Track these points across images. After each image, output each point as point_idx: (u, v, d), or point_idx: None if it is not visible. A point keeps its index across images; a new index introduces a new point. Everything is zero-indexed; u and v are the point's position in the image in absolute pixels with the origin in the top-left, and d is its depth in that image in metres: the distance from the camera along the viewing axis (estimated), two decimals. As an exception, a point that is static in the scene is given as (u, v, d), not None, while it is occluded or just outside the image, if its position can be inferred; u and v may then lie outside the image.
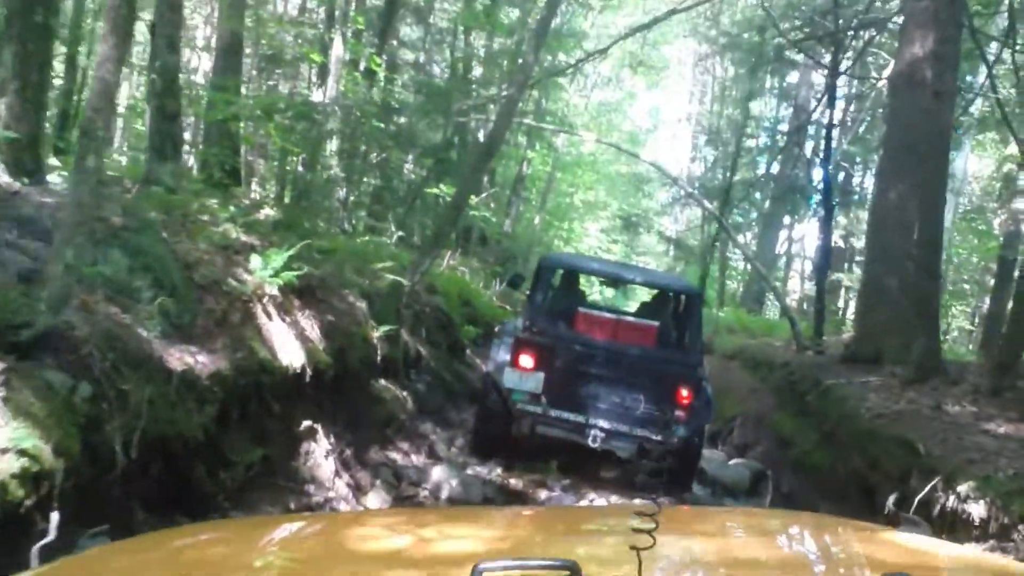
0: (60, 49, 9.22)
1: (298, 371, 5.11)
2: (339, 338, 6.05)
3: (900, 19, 10.62)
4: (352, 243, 9.63)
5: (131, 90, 15.34)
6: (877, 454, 6.02)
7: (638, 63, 24.01)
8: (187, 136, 14.07)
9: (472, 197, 13.83)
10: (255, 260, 5.22)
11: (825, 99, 12.63)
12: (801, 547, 1.72)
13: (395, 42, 15.61)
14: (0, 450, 2.58)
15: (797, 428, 7.85)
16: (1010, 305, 8.63)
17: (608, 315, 7.65)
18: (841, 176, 19.34)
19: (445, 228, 8.33)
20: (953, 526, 4.47)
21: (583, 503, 6.41)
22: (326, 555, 1.45)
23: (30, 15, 4.80)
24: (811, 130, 18.16)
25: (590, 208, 28.38)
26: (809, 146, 19.79)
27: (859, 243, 20.96)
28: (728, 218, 17.55)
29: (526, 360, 6.70)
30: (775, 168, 20.43)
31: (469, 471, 6.74)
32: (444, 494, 6.03)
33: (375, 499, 5.60)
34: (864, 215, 20.00)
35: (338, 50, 12.33)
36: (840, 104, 16.07)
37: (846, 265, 20.40)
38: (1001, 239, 14.77)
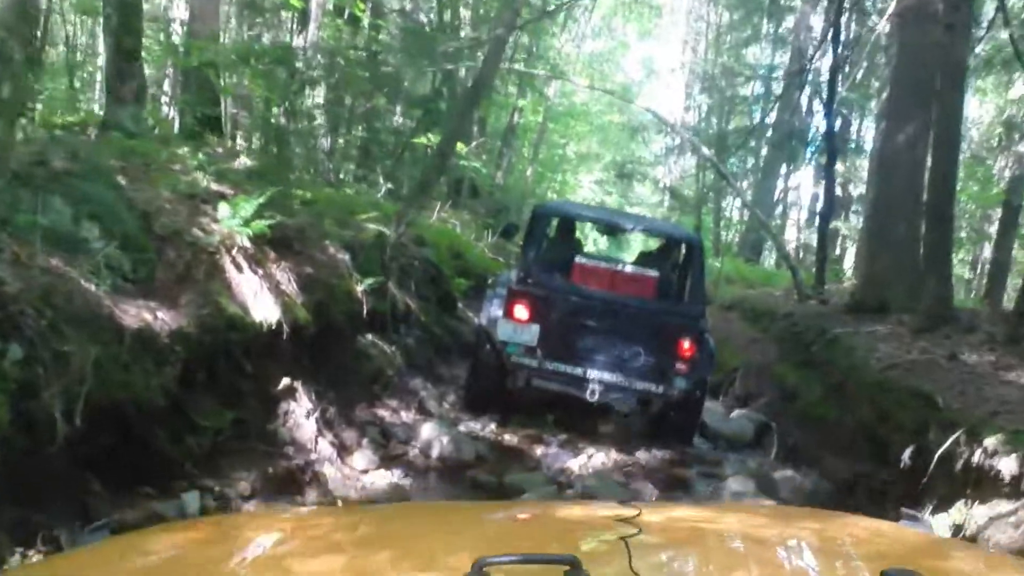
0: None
1: (273, 327, 4.74)
2: (319, 292, 5.67)
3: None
4: (335, 194, 9.21)
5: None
6: (889, 406, 5.72)
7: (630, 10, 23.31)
8: (166, 87, 13.56)
9: (462, 147, 13.39)
10: (223, 209, 4.81)
11: (829, 37, 12.06)
12: (799, 542, 1.64)
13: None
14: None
15: (802, 379, 7.55)
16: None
17: (606, 265, 7.34)
18: (838, 124, 18.90)
19: (431, 176, 7.91)
20: (979, 483, 4.17)
21: (582, 457, 6.14)
22: (327, 549, 1.45)
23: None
24: (808, 77, 17.66)
25: (583, 159, 27.88)
26: (807, 93, 19.37)
27: (856, 191, 20.66)
28: (724, 165, 17.15)
29: (521, 312, 6.41)
30: (772, 117, 19.94)
31: (461, 427, 6.46)
32: (435, 452, 5.73)
33: (361, 459, 5.28)
34: (862, 163, 19.70)
35: (318, -6, 11.79)
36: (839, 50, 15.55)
37: (843, 213, 20.10)
38: (1005, 184, 14.40)
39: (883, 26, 13.18)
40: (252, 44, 11.01)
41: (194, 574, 1.30)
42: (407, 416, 6.39)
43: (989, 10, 11.96)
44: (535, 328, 6.42)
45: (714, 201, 22.29)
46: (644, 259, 8.22)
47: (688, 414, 6.83)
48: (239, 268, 4.61)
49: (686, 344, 6.40)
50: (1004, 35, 11.09)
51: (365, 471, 5.15)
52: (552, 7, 14.98)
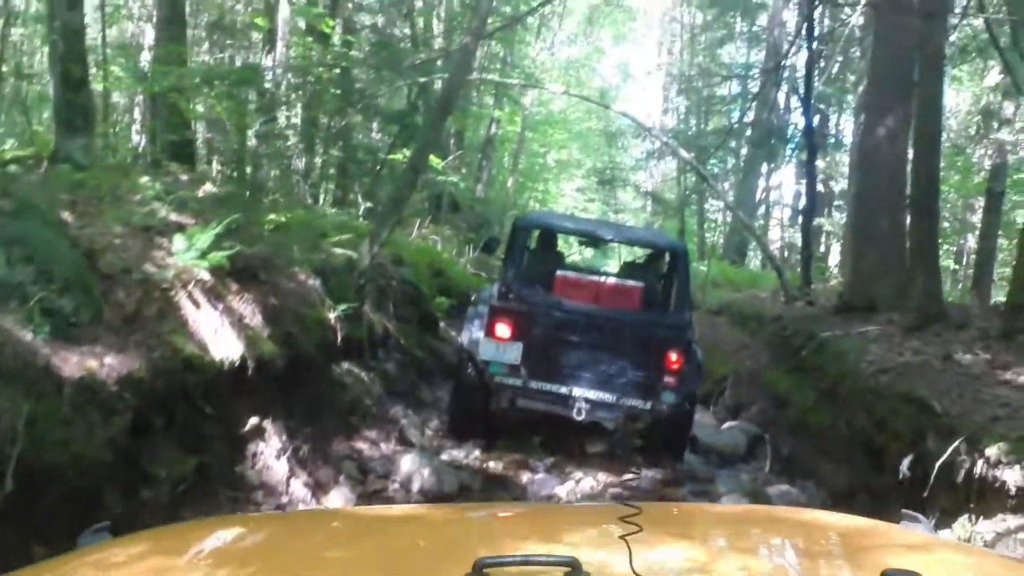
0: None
1: (237, 364, 4.49)
2: (288, 322, 5.42)
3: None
4: (308, 216, 8.95)
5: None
6: (884, 413, 5.51)
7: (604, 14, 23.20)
8: (137, 115, 13.28)
9: (438, 161, 13.18)
10: (178, 241, 4.57)
11: (803, 32, 11.91)
12: (797, 543, 1.62)
13: (351, 5, 14.80)
14: None
15: (793, 386, 7.34)
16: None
17: (589, 277, 7.14)
18: (817, 119, 18.81)
19: (404, 193, 7.67)
20: (983, 495, 3.96)
21: (569, 483, 5.92)
22: (327, 550, 1.45)
23: None
24: (784, 73, 17.57)
25: (564, 167, 27.76)
26: (784, 90, 19.26)
27: (838, 187, 20.55)
28: (704, 167, 17.02)
29: (503, 329, 6.18)
30: (750, 115, 19.84)
31: (444, 456, 6.22)
32: (415, 486, 5.47)
33: (337, 498, 5.04)
34: (842, 158, 19.59)
35: (285, 12, 11.59)
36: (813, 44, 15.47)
37: (826, 210, 19.99)
38: (986, 173, 14.28)
39: (857, 18, 13.06)
40: (216, 66, 10.76)
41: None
42: (387, 447, 6.14)
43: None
44: (518, 346, 6.19)
45: (697, 203, 22.17)
46: (628, 269, 8.04)
47: (678, 430, 6.62)
48: (196, 304, 4.36)
49: (673, 356, 6.18)
50: (979, 22, 11.00)
51: (341, 510, 4.91)
52: (521, 12, 14.81)
